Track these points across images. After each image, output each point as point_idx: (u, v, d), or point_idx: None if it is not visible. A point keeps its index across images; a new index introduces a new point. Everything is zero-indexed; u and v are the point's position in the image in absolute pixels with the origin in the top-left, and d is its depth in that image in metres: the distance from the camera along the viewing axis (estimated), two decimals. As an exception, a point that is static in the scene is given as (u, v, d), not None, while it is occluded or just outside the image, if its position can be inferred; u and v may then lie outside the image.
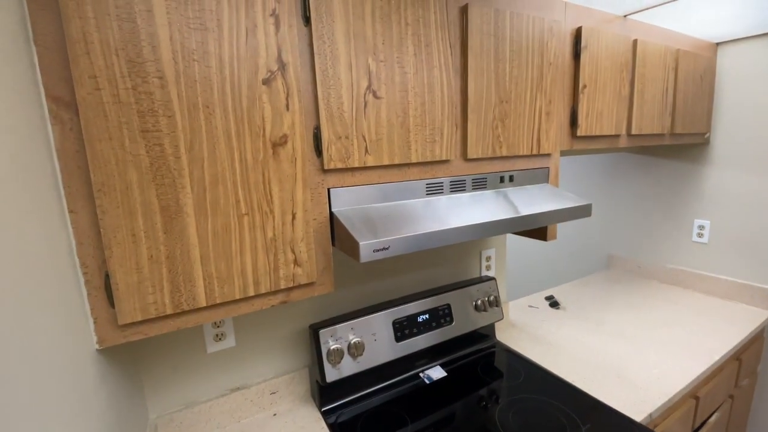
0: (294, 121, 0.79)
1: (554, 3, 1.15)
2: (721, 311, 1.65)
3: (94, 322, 0.69)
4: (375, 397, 1.18)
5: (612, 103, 1.33)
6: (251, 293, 0.79)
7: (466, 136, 1.03)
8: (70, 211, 0.65)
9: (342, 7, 0.81)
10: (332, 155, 0.85)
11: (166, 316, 0.73)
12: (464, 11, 0.98)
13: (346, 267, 1.25)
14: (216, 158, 0.72)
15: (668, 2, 1.24)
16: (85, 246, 0.67)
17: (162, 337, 1.00)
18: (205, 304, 0.75)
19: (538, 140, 1.17)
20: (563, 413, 1.07)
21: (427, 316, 1.26)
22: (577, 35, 1.21)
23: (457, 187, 1.05)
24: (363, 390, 1.19)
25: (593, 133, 1.29)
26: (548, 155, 1.23)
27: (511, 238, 2.94)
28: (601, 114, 1.30)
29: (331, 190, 0.87)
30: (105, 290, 0.69)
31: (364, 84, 0.86)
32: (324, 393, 1.13)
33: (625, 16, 1.34)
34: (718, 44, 1.68)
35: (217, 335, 1.06)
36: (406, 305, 1.23)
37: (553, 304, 1.79)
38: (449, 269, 1.48)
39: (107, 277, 0.68)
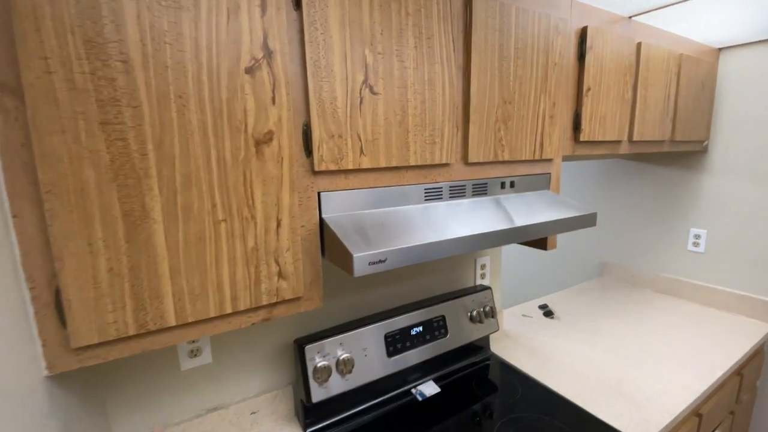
0: (281, 116, 0.70)
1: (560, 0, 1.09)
2: (719, 323, 1.62)
3: (43, 345, 0.59)
4: (364, 416, 1.10)
5: (615, 107, 1.27)
6: (228, 310, 0.70)
7: (468, 138, 0.96)
8: (14, 216, 0.55)
9: (337, -9, 0.73)
10: (324, 155, 0.76)
11: (129, 338, 0.63)
12: (468, 3, 0.91)
13: (335, 276, 1.16)
14: (189, 156, 0.63)
15: (674, 4, 1.19)
16: (32, 256, 0.57)
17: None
18: (174, 323, 0.66)
19: (541, 144, 1.11)
20: (565, 435, 1.00)
21: (420, 328, 1.19)
22: (583, 35, 1.15)
23: (457, 192, 0.98)
24: (351, 409, 1.11)
25: (596, 138, 1.23)
26: (550, 160, 1.17)
27: (506, 245, 2.89)
28: (604, 119, 1.25)
29: (321, 194, 0.78)
30: (55, 308, 0.59)
31: (360, 77, 0.77)
32: (309, 413, 1.04)
33: (630, 17, 1.29)
34: (720, 49, 1.65)
35: (192, 351, 0.97)
36: (398, 317, 1.15)
37: (547, 313, 1.74)
38: (443, 277, 1.41)
39: (58, 292, 0.58)
